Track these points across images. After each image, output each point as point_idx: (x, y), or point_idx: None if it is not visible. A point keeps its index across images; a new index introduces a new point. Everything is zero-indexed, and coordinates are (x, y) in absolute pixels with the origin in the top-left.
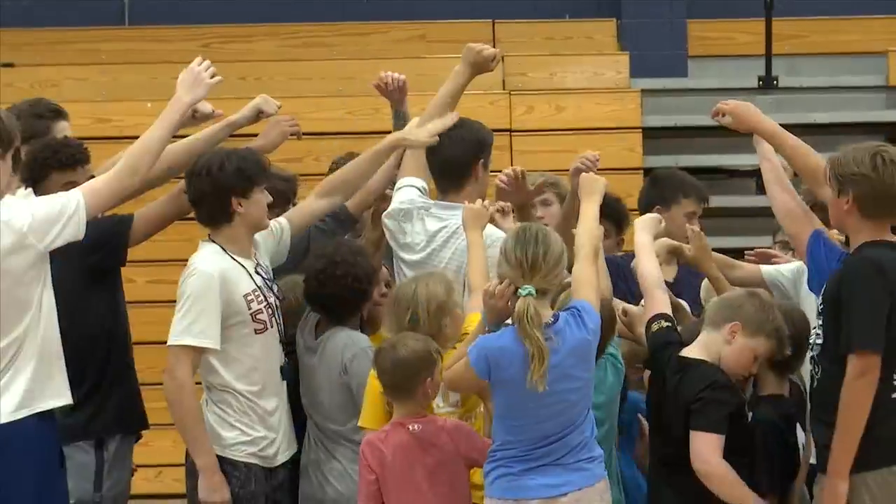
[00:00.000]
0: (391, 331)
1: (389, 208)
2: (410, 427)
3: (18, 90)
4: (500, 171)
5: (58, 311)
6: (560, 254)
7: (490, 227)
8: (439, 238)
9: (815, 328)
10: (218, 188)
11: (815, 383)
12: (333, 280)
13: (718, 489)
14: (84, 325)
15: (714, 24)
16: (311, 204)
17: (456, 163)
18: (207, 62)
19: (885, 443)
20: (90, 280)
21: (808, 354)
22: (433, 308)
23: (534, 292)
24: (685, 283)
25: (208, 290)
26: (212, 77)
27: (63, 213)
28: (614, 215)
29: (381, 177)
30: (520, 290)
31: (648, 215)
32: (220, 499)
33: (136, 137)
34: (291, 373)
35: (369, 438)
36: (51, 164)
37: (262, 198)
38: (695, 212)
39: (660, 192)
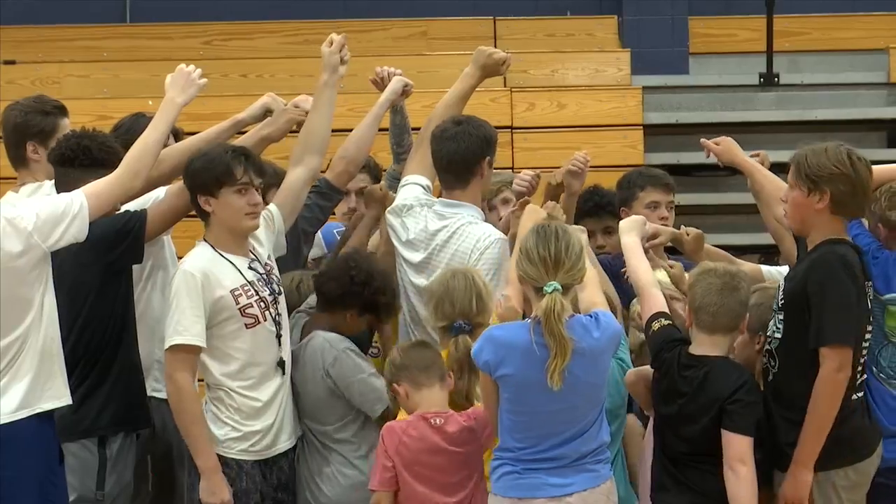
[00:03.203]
0: (438, 321)
1: (393, 204)
2: (433, 421)
3: (20, 87)
4: (500, 169)
5: (73, 308)
6: (580, 250)
7: (487, 227)
8: (439, 238)
9: (772, 322)
10: (190, 185)
11: (771, 377)
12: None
13: (738, 492)
14: (98, 323)
15: (715, 20)
16: (291, 178)
17: (463, 160)
18: (193, 66)
19: (848, 442)
20: (106, 278)
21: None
22: (486, 294)
23: (559, 288)
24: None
25: (189, 288)
26: (200, 78)
27: (67, 213)
28: (618, 213)
29: (356, 143)
30: (545, 287)
31: (633, 217)
32: (220, 500)
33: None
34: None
35: (390, 425)
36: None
37: (234, 199)
38: (657, 201)
39: (620, 196)
